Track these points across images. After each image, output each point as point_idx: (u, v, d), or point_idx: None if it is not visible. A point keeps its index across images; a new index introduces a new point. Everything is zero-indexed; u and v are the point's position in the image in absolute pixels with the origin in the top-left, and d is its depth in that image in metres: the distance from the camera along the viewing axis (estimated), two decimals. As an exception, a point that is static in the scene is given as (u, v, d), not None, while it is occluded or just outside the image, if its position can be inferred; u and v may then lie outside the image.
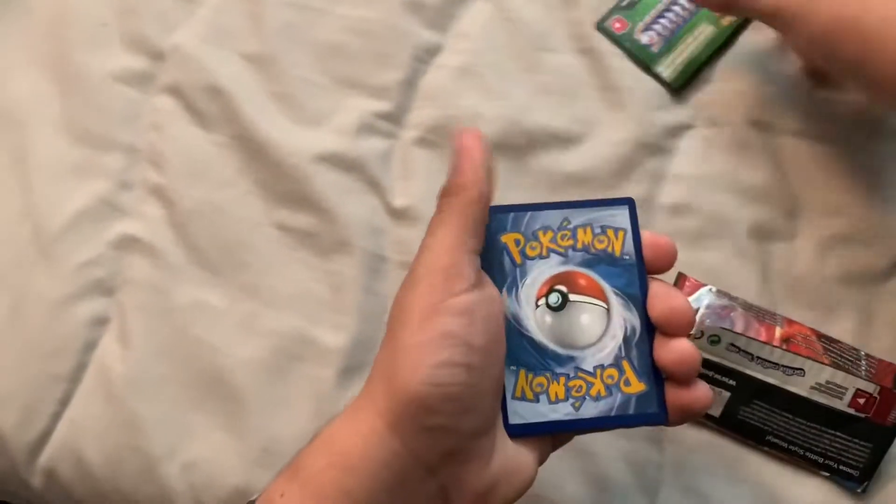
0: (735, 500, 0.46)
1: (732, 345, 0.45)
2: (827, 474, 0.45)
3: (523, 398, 0.34)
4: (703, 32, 0.53)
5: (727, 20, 0.54)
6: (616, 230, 0.36)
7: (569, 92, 0.53)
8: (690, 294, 0.47)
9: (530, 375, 0.35)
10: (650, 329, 0.35)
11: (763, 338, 0.46)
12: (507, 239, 0.35)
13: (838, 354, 0.46)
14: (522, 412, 0.34)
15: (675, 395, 0.34)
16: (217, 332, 0.48)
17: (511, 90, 0.52)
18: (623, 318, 0.35)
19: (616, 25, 0.54)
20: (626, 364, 0.35)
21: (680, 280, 0.48)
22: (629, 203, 0.36)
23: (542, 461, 0.35)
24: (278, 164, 0.50)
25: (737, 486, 0.46)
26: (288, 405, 0.47)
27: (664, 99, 0.52)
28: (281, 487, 0.31)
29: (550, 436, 0.35)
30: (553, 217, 0.36)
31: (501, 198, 0.49)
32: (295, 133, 0.51)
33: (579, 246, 0.36)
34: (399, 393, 0.30)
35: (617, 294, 0.35)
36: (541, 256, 0.35)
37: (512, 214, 0.36)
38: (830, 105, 0.51)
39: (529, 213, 0.36)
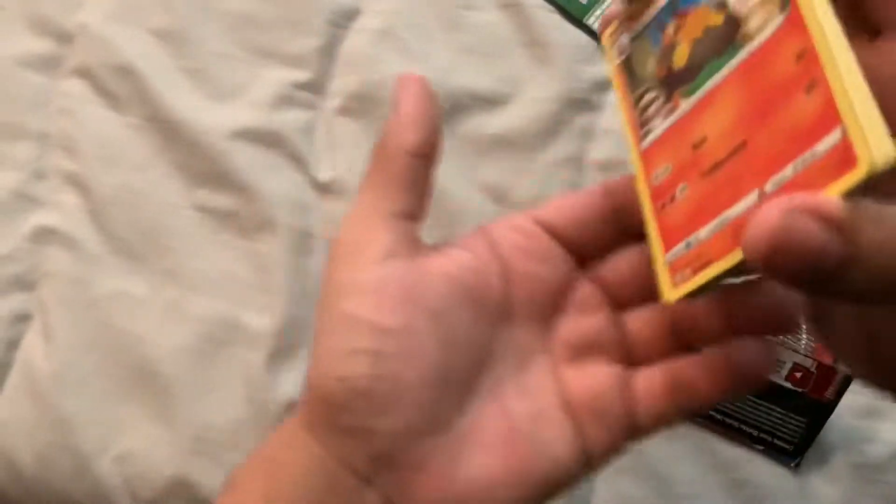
0: (677, 458, 0.45)
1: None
2: (762, 448, 0.45)
3: None
4: None
5: None
6: None
7: (493, 50, 0.51)
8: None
9: None
10: None
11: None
12: None
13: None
14: None
15: None
16: (142, 322, 0.46)
17: (433, 52, 0.50)
18: None
19: None
20: None
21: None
22: None
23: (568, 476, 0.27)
24: (194, 143, 0.48)
25: (679, 447, 0.45)
26: (218, 391, 0.46)
27: (592, 51, 0.51)
28: (220, 498, 0.28)
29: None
30: None
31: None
32: (210, 110, 0.49)
33: None
34: (310, 390, 0.26)
35: None
36: None
37: None
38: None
39: None
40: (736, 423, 0.45)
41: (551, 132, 0.49)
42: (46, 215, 0.48)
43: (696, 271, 0.22)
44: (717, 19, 0.23)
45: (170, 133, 0.49)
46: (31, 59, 0.50)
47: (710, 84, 0.23)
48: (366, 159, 0.44)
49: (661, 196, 0.24)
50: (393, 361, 0.25)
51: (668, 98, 0.24)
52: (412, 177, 0.27)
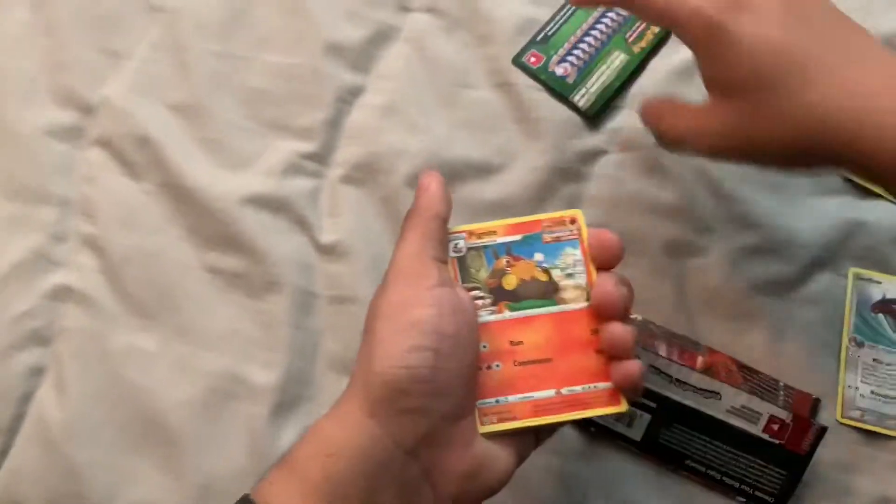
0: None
1: (652, 366, 0.47)
2: (743, 500, 0.46)
3: None
4: (616, 60, 0.56)
5: (638, 47, 0.56)
6: None
7: (488, 125, 0.55)
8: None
9: None
10: None
11: (684, 362, 0.47)
12: None
13: (757, 384, 0.48)
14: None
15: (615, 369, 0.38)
16: (151, 376, 0.49)
17: (433, 125, 0.54)
18: None
19: (532, 60, 0.56)
20: None
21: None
22: None
23: (521, 460, 0.37)
24: (206, 208, 0.51)
25: (663, 498, 0.47)
26: (223, 443, 0.48)
27: (579, 127, 0.54)
28: (272, 477, 0.35)
29: (526, 431, 0.38)
30: None
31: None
32: (222, 177, 0.52)
33: None
34: (375, 378, 0.34)
35: None
36: None
37: None
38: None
39: None
40: (718, 476, 0.47)
41: (542, 199, 0.52)
42: (65, 275, 0.51)
43: (500, 420, 0.37)
44: (543, 276, 0.39)
45: (183, 199, 0.52)
46: (56, 128, 0.54)
47: (530, 312, 0.38)
48: (367, 224, 0.48)
49: (481, 362, 0.37)
50: (447, 358, 0.34)
51: (495, 303, 0.38)
52: (442, 235, 0.38)
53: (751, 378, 0.48)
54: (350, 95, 0.55)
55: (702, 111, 0.41)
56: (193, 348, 0.49)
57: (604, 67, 0.56)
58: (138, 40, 0.56)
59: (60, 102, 0.55)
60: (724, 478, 0.46)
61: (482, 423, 0.36)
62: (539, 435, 0.39)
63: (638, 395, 0.39)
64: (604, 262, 0.39)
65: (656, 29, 0.56)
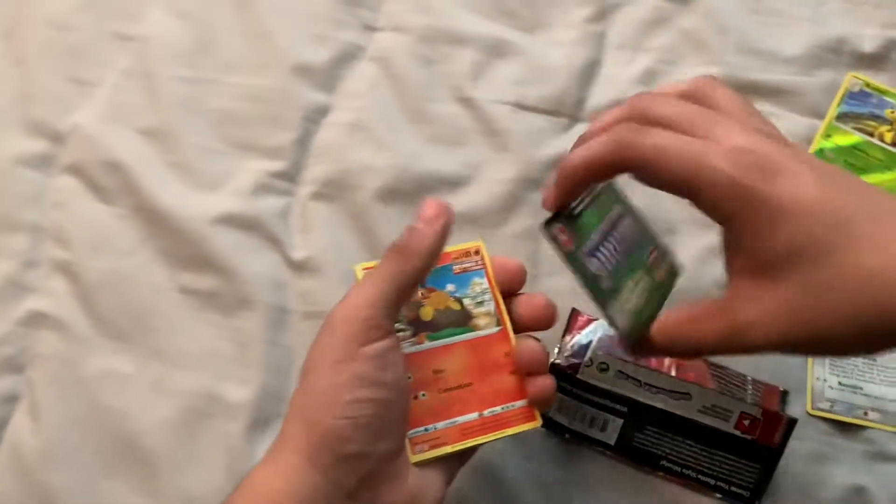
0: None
1: (621, 371, 0.47)
2: (720, 496, 0.47)
3: None
4: (640, 283, 0.37)
5: (659, 274, 0.40)
6: None
7: (454, 139, 0.55)
8: (583, 328, 0.49)
9: None
10: None
11: (653, 365, 0.48)
12: None
13: (725, 380, 0.48)
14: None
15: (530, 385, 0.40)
16: (127, 398, 0.49)
17: (400, 141, 0.55)
18: None
19: (563, 237, 0.34)
20: None
21: (573, 315, 0.50)
22: None
23: (450, 480, 0.39)
24: (178, 229, 0.52)
25: (642, 500, 0.48)
26: (201, 462, 0.48)
27: (544, 135, 0.55)
28: None
29: (454, 454, 0.39)
30: None
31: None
32: (193, 199, 0.53)
33: None
34: (315, 428, 0.34)
35: None
36: None
37: None
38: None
39: None
40: (694, 474, 0.47)
41: (509, 209, 0.53)
42: (38, 301, 0.51)
43: (432, 447, 0.38)
44: (456, 305, 0.41)
45: (155, 221, 0.52)
46: (27, 157, 0.54)
47: (448, 340, 0.40)
48: (338, 239, 0.49)
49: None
50: (386, 405, 0.35)
51: (415, 334, 0.40)
52: (413, 286, 0.37)
53: (720, 375, 0.49)
54: (317, 114, 0.56)
55: (737, 301, 0.33)
56: (169, 369, 0.50)
57: (631, 283, 0.37)
58: (107, 69, 0.57)
59: (31, 132, 0.55)
60: (699, 475, 0.47)
61: (414, 452, 0.38)
62: (462, 455, 0.40)
63: (549, 407, 0.41)
64: (511, 286, 0.42)
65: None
